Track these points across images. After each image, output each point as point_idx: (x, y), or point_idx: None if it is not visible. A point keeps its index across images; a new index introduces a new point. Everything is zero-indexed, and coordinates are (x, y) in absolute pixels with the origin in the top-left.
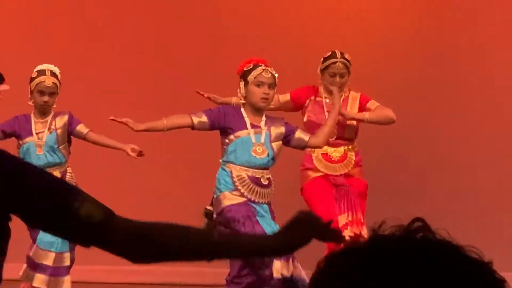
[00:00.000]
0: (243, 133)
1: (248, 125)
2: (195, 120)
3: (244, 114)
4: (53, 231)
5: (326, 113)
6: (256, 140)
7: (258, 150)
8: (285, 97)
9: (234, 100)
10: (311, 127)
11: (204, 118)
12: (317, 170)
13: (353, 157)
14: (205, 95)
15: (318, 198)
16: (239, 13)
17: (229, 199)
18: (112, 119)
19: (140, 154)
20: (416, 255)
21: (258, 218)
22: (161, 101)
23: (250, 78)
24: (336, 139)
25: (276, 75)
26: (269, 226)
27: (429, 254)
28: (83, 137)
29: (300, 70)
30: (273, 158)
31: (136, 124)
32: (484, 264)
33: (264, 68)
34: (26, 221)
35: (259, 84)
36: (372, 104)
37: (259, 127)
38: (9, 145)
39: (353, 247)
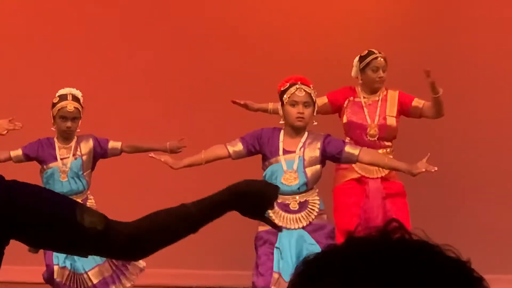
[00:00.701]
0: (275, 160)
1: (281, 151)
2: (231, 150)
3: (281, 138)
4: (55, 247)
5: (366, 113)
6: (288, 167)
7: (289, 178)
8: (323, 99)
9: (271, 106)
10: (351, 128)
11: (240, 147)
12: (354, 171)
13: None
14: (241, 103)
15: (343, 208)
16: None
17: (262, 224)
18: (152, 157)
19: (180, 146)
20: (393, 255)
21: (275, 252)
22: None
23: (285, 98)
24: (377, 139)
25: (312, 92)
26: (284, 269)
27: (406, 255)
28: (119, 153)
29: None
30: (306, 184)
31: (176, 162)
32: (462, 262)
33: (298, 86)
34: (29, 243)
35: (293, 104)
36: (418, 101)
37: (293, 151)
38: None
39: (330, 249)
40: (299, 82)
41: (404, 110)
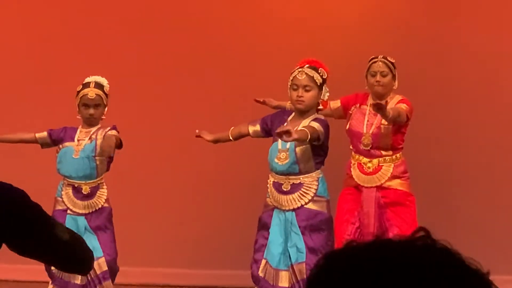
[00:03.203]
0: (275, 139)
1: None
2: (251, 129)
3: (289, 119)
4: (31, 254)
5: (366, 122)
6: (282, 146)
7: (281, 157)
8: (336, 103)
9: (288, 105)
10: (351, 136)
11: (257, 127)
12: (353, 178)
13: (390, 170)
14: (261, 100)
15: (339, 213)
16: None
17: (265, 205)
18: (197, 134)
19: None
20: (415, 259)
21: (268, 242)
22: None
23: (289, 82)
24: (371, 148)
25: (316, 75)
26: (270, 254)
27: (428, 260)
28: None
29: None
30: (296, 163)
31: (209, 134)
32: (483, 274)
33: (299, 70)
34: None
35: (295, 88)
36: (400, 105)
37: None
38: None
39: (353, 247)
40: (305, 66)
41: None
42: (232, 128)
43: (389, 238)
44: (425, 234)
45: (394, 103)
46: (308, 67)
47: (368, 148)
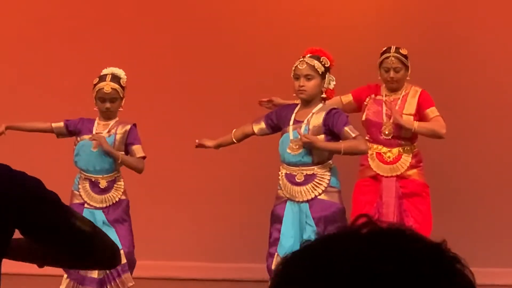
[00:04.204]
0: (286, 130)
1: (291, 122)
2: (255, 128)
3: (296, 110)
4: (51, 246)
5: (384, 112)
6: (294, 136)
7: (294, 147)
8: (347, 97)
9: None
10: (369, 126)
11: (262, 125)
12: (371, 168)
13: (409, 160)
14: (265, 100)
15: (356, 205)
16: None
17: (277, 197)
18: (197, 142)
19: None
20: (367, 248)
21: (280, 235)
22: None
23: (292, 72)
24: (392, 137)
25: (317, 64)
26: (282, 247)
27: (374, 241)
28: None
29: None
30: (309, 153)
31: (210, 141)
32: (435, 244)
33: (301, 60)
34: (23, 233)
35: (296, 77)
36: (432, 112)
37: (302, 121)
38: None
39: (303, 248)
40: (307, 55)
41: (419, 113)
42: (234, 130)
43: (333, 233)
44: (367, 219)
45: (412, 96)
46: (309, 57)
47: (389, 137)
